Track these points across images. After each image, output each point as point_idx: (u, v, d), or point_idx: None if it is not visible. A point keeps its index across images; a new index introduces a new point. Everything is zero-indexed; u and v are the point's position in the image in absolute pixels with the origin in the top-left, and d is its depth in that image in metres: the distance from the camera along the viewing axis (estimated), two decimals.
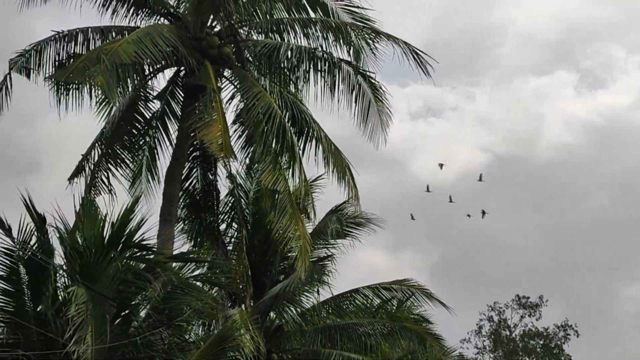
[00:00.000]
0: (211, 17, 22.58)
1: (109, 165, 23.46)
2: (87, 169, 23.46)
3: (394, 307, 24.84)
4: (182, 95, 23.05)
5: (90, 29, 22.14)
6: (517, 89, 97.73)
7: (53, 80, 21.61)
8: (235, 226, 24.71)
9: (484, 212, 41.07)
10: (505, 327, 63.32)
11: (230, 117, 22.59)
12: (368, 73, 22.67)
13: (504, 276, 79.51)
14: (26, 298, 16.32)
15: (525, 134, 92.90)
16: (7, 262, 16.28)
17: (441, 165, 35.22)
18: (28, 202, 16.47)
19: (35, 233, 16.36)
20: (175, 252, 20.61)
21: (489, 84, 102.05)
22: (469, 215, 40.85)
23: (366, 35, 22.48)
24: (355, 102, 22.58)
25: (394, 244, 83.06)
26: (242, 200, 25.08)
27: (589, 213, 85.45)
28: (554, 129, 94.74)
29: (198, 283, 18.65)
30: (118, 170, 23.58)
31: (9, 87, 21.68)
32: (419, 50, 22.31)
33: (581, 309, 74.68)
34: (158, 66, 22.46)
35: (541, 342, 62.47)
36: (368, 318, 23.99)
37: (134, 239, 16.73)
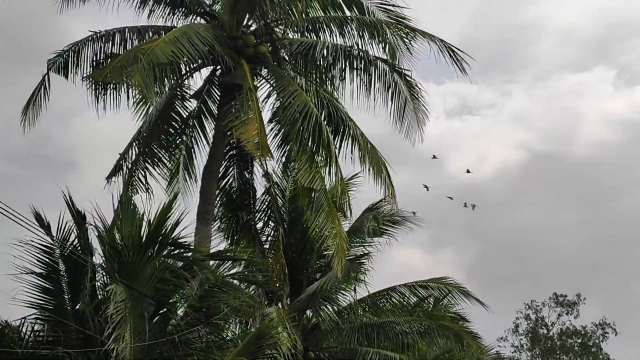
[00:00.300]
0: (247, 16, 22.65)
1: (147, 164, 23.60)
2: (124, 167, 23.62)
3: (431, 306, 24.80)
4: (219, 94, 23.14)
5: (127, 29, 22.30)
6: (554, 86, 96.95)
7: (91, 80, 21.80)
8: (272, 225, 24.76)
9: (473, 206, 40.89)
10: (542, 326, 62.93)
11: (266, 115, 22.68)
12: (404, 71, 22.65)
13: (541, 274, 79.03)
14: (65, 296, 16.43)
15: (562, 131, 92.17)
16: (47, 260, 16.41)
17: (434, 156, 35.08)
18: (68, 199, 16.61)
19: (75, 231, 16.48)
20: (212, 251, 20.70)
21: (525, 81, 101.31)
22: (465, 205, 40.55)
23: (402, 33, 22.43)
24: (392, 100, 22.57)
25: (430, 242, 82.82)
26: (279, 198, 25.13)
27: (628, 210, 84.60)
28: (591, 126, 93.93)
29: (235, 281, 18.70)
30: (155, 169, 23.74)
31: (47, 86, 21.92)
32: (455, 48, 22.25)
33: (620, 307, 74.03)
34: (194, 65, 22.57)
35: (579, 341, 62.02)
36: (405, 316, 23.96)
37: (172, 237, 16.81)
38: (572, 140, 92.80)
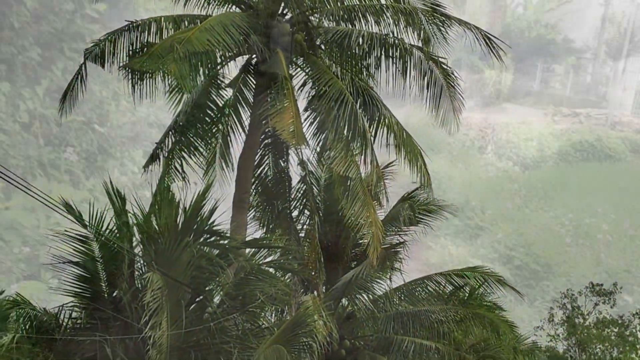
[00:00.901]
0: (282, 4, 22.63)
1: (183, 152, 23.71)
2: (161, 156, 23.74)
3: (467, 294, 24.71)
4: (254, 82, 23.16)
5: (163, 18, 22.34)
6: (592, 73, 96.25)
7: (127, 69, 21.89)
8: (307, 213, 24.79)
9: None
10: (578, 315, 62.57)
11: (302, 104, 22.63)
12: (440, 59, 22.51)
13: (578, 263, 78.60)
14: (103, 284, 16.59)
15: (601, 118, 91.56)
16: (84, 248, 16.55)
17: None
18: (110, 186, 16.74)
19: (114, 220, 16.61)
20: (247, 239, 20.76)
21: (563, 68, 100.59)
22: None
23: (437, 21, 22.29)
24: (427, 88, 22.46)
25: (466, 231, 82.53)
26: (314, 187, 25.14)
27: None
28: (630, 114, 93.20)
29: (271, 269, 18.77)
30: (192, 158, 23.82)
31: (84, 76, 22.08)
32: (491, 35, 22.08)
33: None
34: (230, 54, 22.58)
35: (615, 330, 61.59)
36: (440, 305, 23.89)
37: (207, 225, 16.89)
38: (611, 127, 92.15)
